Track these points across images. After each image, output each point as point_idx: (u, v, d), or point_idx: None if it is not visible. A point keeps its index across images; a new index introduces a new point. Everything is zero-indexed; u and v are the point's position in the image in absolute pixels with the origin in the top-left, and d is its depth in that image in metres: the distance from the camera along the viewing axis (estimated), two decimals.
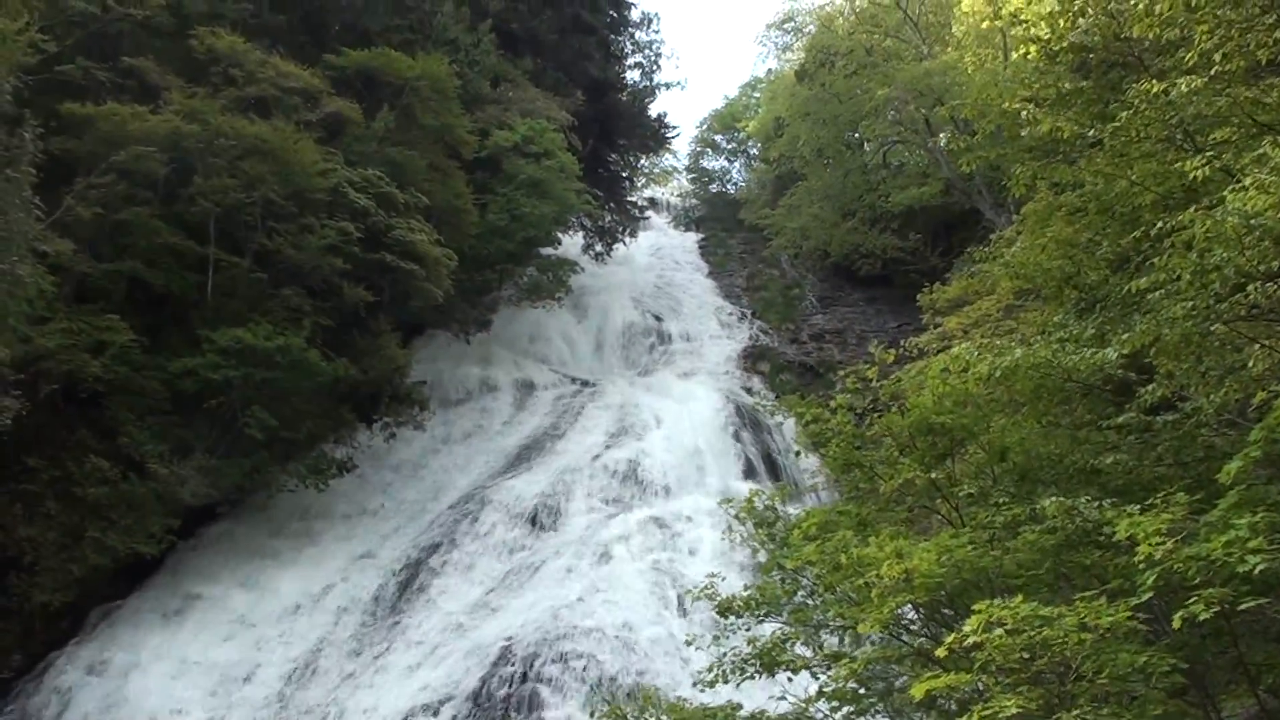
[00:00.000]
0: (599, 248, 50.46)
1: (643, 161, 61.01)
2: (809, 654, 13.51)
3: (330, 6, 33.33)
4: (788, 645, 13.44)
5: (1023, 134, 16.12)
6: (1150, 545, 8.71)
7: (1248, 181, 9.96)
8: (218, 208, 26.29)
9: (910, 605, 11.71)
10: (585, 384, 37.65)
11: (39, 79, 23.18)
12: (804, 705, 13.47)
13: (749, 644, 13.69)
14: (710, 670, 13.95)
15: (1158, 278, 11.50)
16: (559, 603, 22.82)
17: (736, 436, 31.85)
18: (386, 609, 24.96)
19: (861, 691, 12.88)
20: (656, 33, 56.62)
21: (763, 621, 14.07)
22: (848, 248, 46.49)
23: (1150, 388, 13.06)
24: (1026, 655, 8.87)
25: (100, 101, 25.58)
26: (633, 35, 54.47)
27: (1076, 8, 14.98)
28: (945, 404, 13.12)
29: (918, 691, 9.26)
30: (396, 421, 30.96)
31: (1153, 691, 9.29)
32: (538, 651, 21.03)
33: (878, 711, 12.98)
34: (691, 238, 62.38)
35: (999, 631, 8.81)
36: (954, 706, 11.01)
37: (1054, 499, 10.77)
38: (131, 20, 26.99)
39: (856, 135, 47.81)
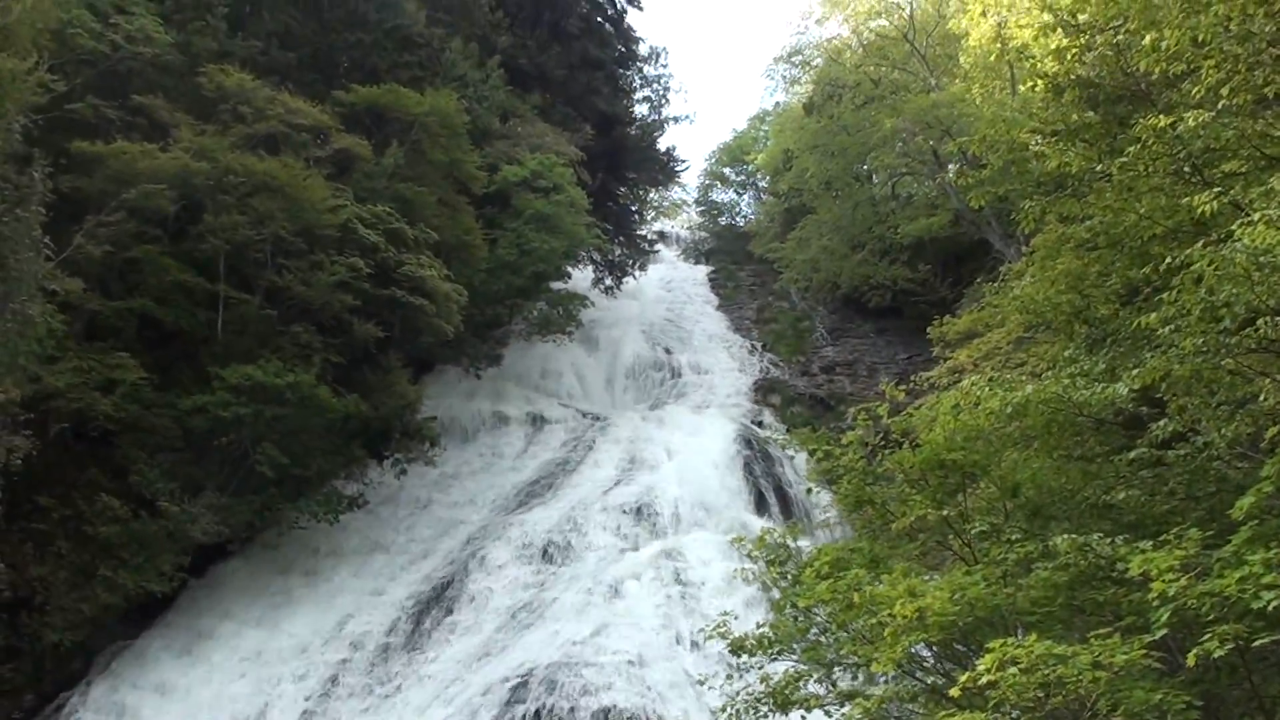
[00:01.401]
0: (609, 281, 50.44)
1: (652, 195, 61.22)
2: (822, 692, 13.49)
3: (339, 44, 33.46)
4: (801, 683, 13.44)
5: (1030, 165, 16.14)
6: (1164, 582, 8.69)
7: (1256, 217, 9.96)
8: (227, 245, 26.31)
9: (924, 643, 11.68)
10: (596, 418, 37.52)
11: (48, 117, 23.21)
12: None
13: (762, 682, 13.70)
14: (724, 709, 13.96)
15: (1167, 313, 11.48)
16: (572, 639, 22.71)
17: (748, 470, 31.71)
18: (399, 646, 24.83)
19: None
20: (665, 67, 57.07)
21: (776, 659, 14.03)
22: (857, 279, 46.31)
23: (1162, 423, 13.06)
24: (1041, 693, 8.86)
25: (110, 139, 25.67)
26: (641, 70, 54.86)
27: (1083, 43, 15.01)
28: (956, 440, 13.10)
29: None
30: (407, 457, 30.87)
31: None
32: (551, 688, 20.90)
33: None
34: (701, 270, 62.34)
35: (1013, 670, 8.81)
36: None
37: (1066, 535, 10.76)
38: (141, 59, 27.04)
39: (865, 167, 47.65)
